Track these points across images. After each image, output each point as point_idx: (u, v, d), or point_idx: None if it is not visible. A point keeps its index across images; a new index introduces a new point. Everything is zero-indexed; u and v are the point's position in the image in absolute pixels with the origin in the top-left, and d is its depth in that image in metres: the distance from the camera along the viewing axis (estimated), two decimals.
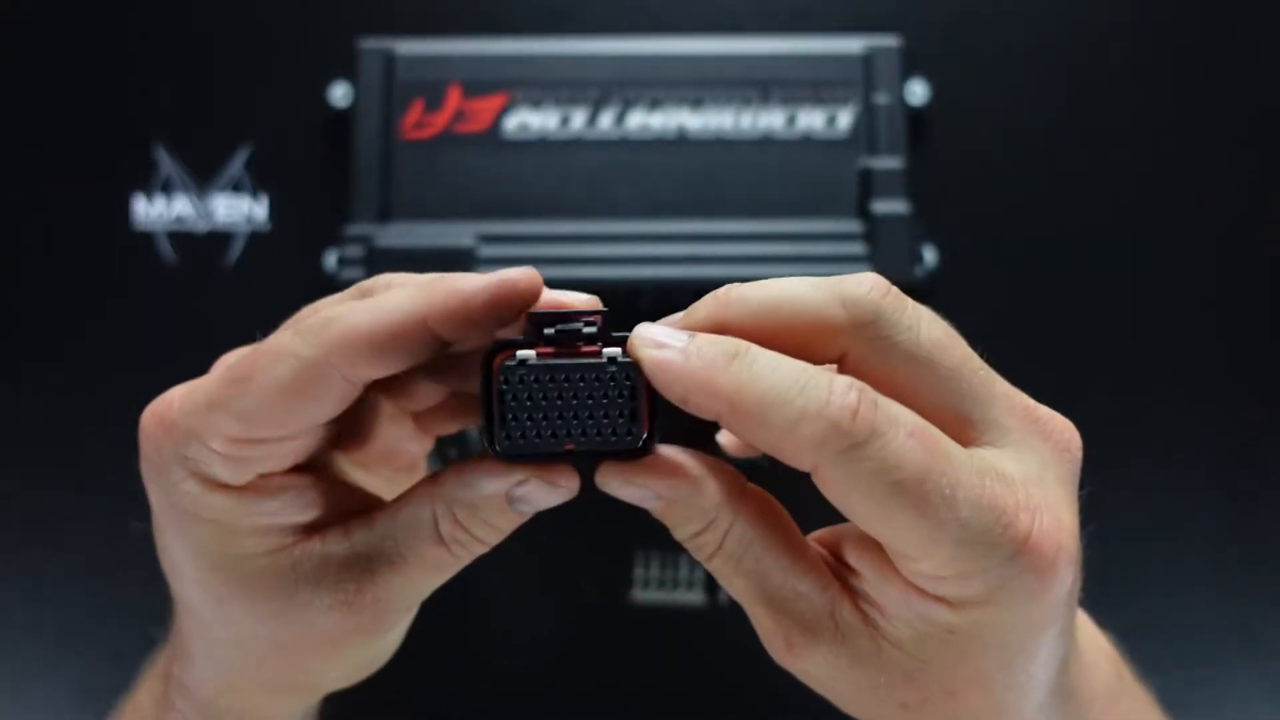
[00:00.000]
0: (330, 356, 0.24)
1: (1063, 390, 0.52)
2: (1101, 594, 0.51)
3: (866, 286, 0.25)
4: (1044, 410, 0.27)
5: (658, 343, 0.24)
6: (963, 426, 0.25)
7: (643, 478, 0.26)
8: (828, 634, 0.26)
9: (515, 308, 0.26)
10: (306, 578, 0.27)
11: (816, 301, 0.25)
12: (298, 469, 0.28)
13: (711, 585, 0.51)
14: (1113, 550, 0.52)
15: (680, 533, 0.26)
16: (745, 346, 0.24)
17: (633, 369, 0.24)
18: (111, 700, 0.51)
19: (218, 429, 0.25)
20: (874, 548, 0.25)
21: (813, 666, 0.26)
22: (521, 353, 0.25)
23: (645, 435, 0.25)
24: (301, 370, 0.25)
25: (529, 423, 0.25)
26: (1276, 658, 0.51)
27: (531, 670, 0.52)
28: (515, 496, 0.26)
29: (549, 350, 0.25)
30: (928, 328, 0.25)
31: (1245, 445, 0.52)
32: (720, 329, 0.25)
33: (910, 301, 0.25)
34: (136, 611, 0.51)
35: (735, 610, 0.51)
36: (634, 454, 0.25)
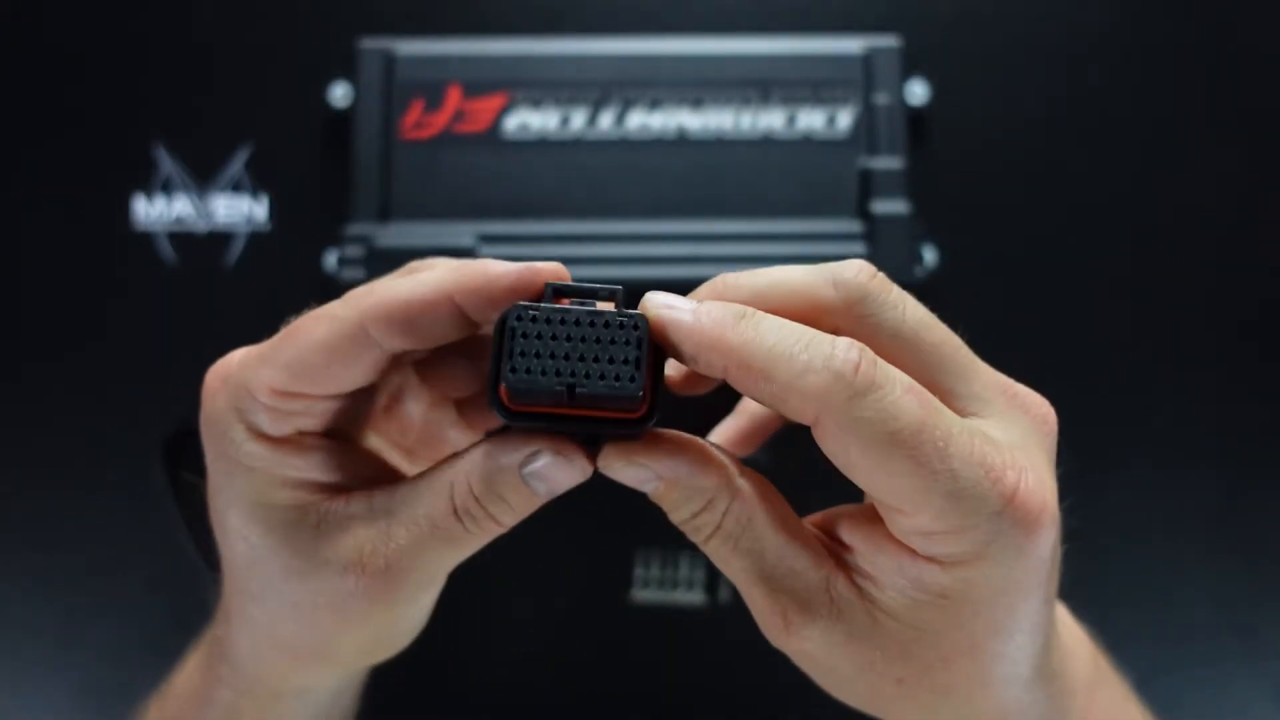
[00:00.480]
0: (366, 321, 0.27)
1: (1062, 390, 0.52)
2: (1102, 594, 0.51)
3: (855, 269, 0.27)
4: (1021, 387, 0.29)
5: (669, 304, 0.25)
6: (947, 399, 0.26)
7: (645, 457, 0.26)
8: (824, 609, 0.27)
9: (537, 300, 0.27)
10: (328, 536, 0.28)
11: (809, 283, 0.27)
12: (334, 436, 0.30)
13: (711, 585, 0.51)
14: (1113, 550, 0.52)
15: (679, 514, 0.27)
16: (752, 310, 0.25)
17: (641, 320, 0.25)
18: (112, 700, 0.51)
19: (265, 381, 0.28)
20: (866, 521, 0.27)
21: (809, 644, 0.27)
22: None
23: (645, 395, 0.25)
24: (340, 330, 0.27)
25: (535, 359, 0.25)
26: (1276, 658, 0.51)
27: (531, 670, 0.52)
28: (530, 471, 0.27)
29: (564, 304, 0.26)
30: (912, 308, 0.27)
31: (1245, 445, 0.52)
32: None
33: (895, 285, 0.27)
34: (137, 611, 0.51)
35: (735, 610, 0.51)
36: (634, 425, 0.26)
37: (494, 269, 0.27)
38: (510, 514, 0.28)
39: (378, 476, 0.31)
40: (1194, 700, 0.51)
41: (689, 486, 0.26)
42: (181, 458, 0.51)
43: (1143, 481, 0.52)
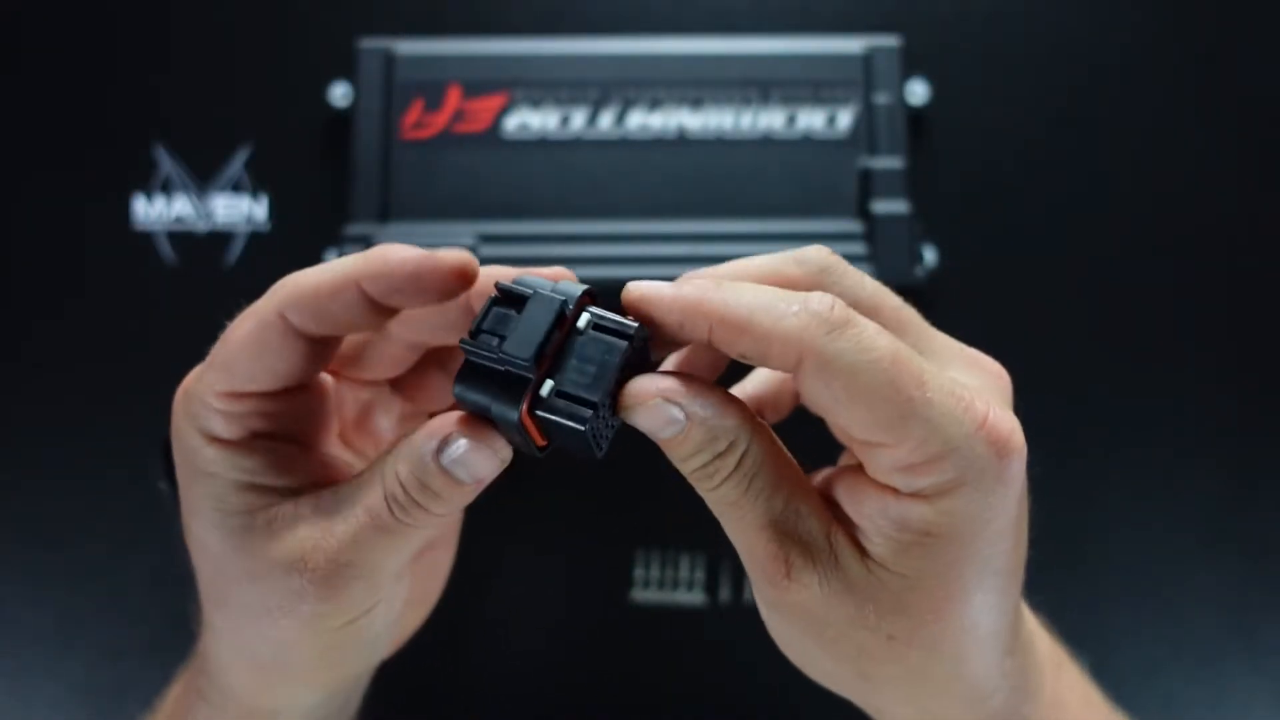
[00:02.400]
0: (282, 309, 0.28)
1: (1062, 389, 0.52)
2: (1102, 594, 0.51)
3: (815, 250, 0.29)
4: (976, 351, 0.30)
5: (651, 285, 0.27)
6: None
7: (675, 395, 0.27)
8: (823, 556, 0.27)
9: (440, 288, 0.28)
10: (277, 536, 0.29)
11: (773, 265, 0.29)
12: (289, 440, 0.30)
13: (711, 585, 0.51)
14: (1113, 550, 0.52)
15: (698, 458, 0.27)
16: (728, 278, 0.28)
17: (641, 330, 0.27)
18: (112, 700, 0.51)
19: (209, 385, 0.29)
20: (848, 475, 0.28)
21: (807, 593, 0.27)
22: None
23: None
24: (260, 322, 0.29)
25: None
26: (1276, 657, 0.51)
27: (531, 670, 0.52)
28: (448, 459, 0.27)
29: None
30: (869, 280, 0.29)
31: (1245, 445, 0.52)
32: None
33: (853, 268, 0.29)
34: (137, 611, 0.51)
35: (735, 610, 0.51)
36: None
37: (393, 256, 0.28)
38: (439, 502, 0.28)
39: (338, 482, 0.31)
40: (1194, 700, 0.51)
41: (716, 425, 0.27)
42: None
43: (1142, 481, 0.52)
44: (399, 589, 0.32)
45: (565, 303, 0.27)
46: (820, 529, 0.28)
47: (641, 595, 0.51)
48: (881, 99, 0.51)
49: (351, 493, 0.28)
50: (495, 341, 0.26)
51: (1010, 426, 0.26)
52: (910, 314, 0.30)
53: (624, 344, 0.27)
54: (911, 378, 0.25)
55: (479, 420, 0.27)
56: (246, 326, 0.29)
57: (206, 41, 0.54)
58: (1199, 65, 0.54)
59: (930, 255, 0.51)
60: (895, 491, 0.27)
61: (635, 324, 0.27)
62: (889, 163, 0.50)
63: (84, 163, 0.54)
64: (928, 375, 0.26)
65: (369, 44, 0.51)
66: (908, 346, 0.26)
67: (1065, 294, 0.53)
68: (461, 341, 0.27)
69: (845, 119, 0.51)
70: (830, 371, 0.25)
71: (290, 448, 0.31)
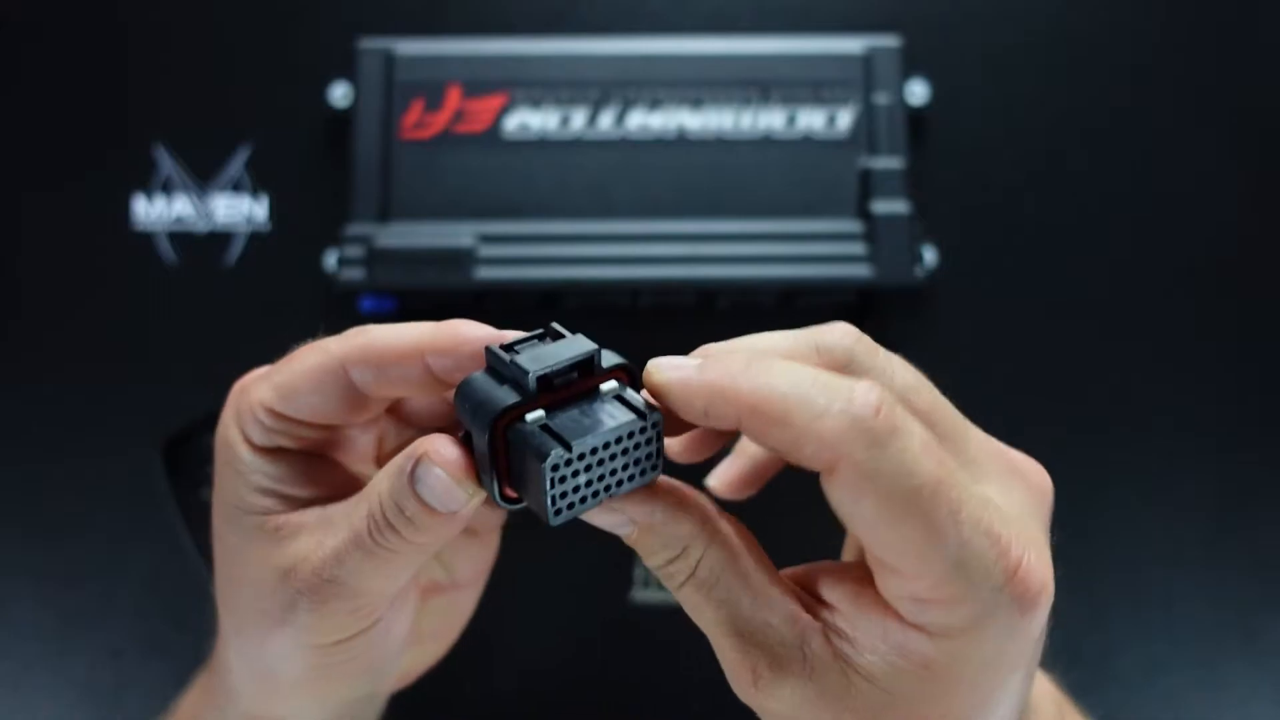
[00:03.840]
0: (346, 359, 0.28)
1: (1062, 389, 0.52)
2: (1102, 594, 0.51)
3: (839, 334, 0.26)
4: (1017, 454, 0.28)
5: (674, 365, 0.25)
6: None
7: (619, 502, 0.26)
8: (796, 666, 0.25)
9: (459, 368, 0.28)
10: (280, 543, 0.29)
11: (792, 350, 0.26)
12: (320, 458, 0.31)
13: None
14: (1113, 550, 0.52)
15: (654, 560, 0.26)
16: (760, 354, 0.25)
17: (658, 417, 0.26)
18: (111, 699, 0.51)
19: (260, 396, 0.29)
20: (852, 580, 0.26)
21: (777, 702, 0.26)
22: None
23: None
24: (321, 366, 0.28)
25: (573, 492, 0.25)
26: (1276, 657, 0.51)
27: (531, 670, 0.52)
28: (418, 479, 0.26)
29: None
30: (900, 371, 0.26)
31: (1245, 444, 0.52)
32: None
33: (881, 348, 0.26)
34: (137, 611, 0.51)
35: None
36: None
37: (465, 334, 0.27)
38: (412, 528, 0.27)
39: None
40: (1194, 700, 0.51)
41: (663, 533, 0.26)
42: (180, 459, 0.51)
43: (1143, 481, 0.52)
44: (398, 618, 0.32)
45: (597, 352, 0.26)
46: (793, 637, 0.26)
47: (641, 595, 0.51)
48: (881, 99, 0.51)
49: (350, 508, 0.28)
50: (514, 355, 0.26)
51: (1041, 580, 0.24)
52: (944, 411, 0.27)
53: (631, 417, 0.25)
54: (949, 515, 0.23)
55: (461, 447, 0.27)
56: (311, 362, 0.28)
57: (206, 41, 0.54)
58: (1200, 65, 0.54)
59: (930, 255, 0.51)
60: (899, 617, 0.25)
61: (650, 408, 0.26)
62: (889, 163, 0.50)
63: (84, 163, 0.53)
64: (966, 510, 0.23)
65: (369, 44, 0.51)
66: (953, 466, 0.24)
67: (1065, 294, 0.53)
68: (487, 347, 0.26)
69: (845, 119, 0.51)
70: (864, 488, 0.23)
71: (319, 461, 0.31)
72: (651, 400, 0.26)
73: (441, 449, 0.26)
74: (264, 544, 0.29)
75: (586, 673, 0.52)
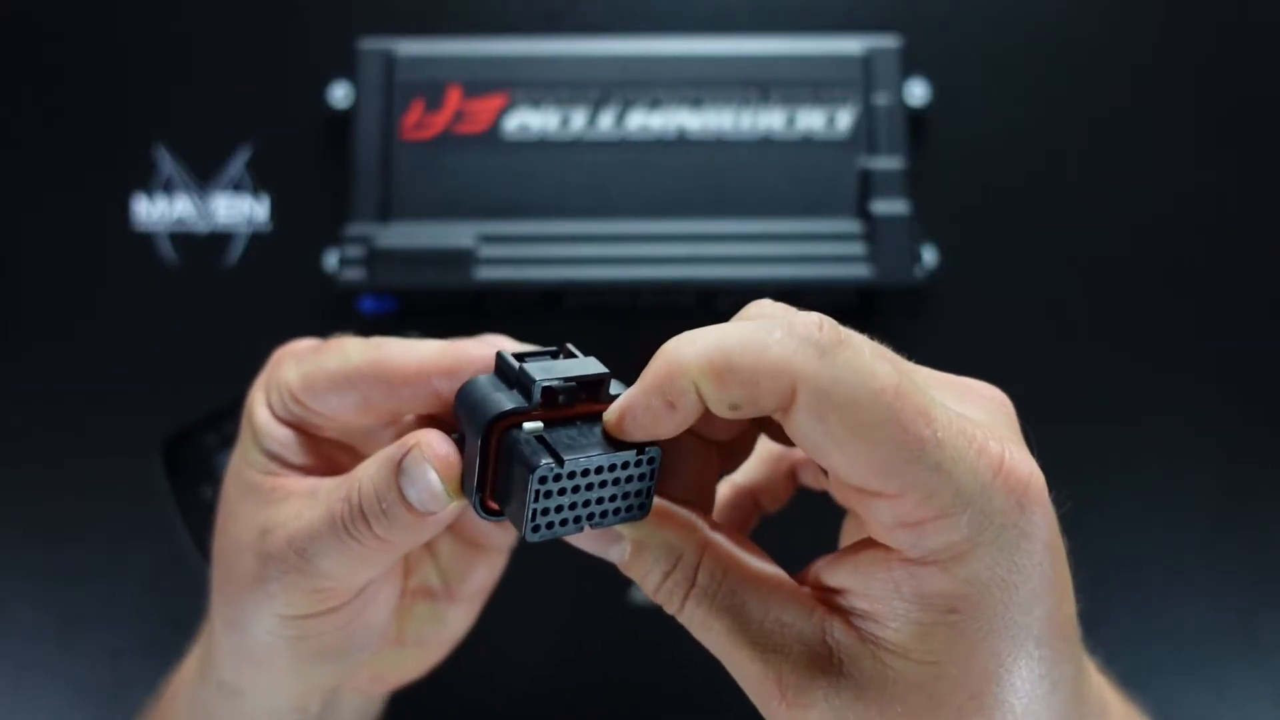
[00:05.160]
0: (362, 367, 0.28)
1: (1062, 390, 0.52)
2: (1102, 594, 0.51)
3: (803, 316, 0.24)
4: (964, 378, 0.27)
5: (623, 397, 0.25)
6: None
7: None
8: (823, 666, 0.24)
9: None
10: (268, 505, 0.29)
11: (755, 332, 0.23)
12: (335, 440, 0.31)
13: None
14: (1113, 550, 0.52)
15: (650, 578, 0.25)
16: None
17: (655, 452, 0.25)
18: (112, 700, 0.51)
19: (288, 377, 0.30)
20: (849, 555, 0.25)
21: (814, 713, 0.23)
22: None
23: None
24: (342, 368, 0.29)
25: (555, 513, 0.25)
26: (1276, 657, 0.51)
27: (531, 670, 0.52)
28: (404, 469, 0.26)
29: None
30: (869, 345, 0.24)
31: (1245, 444, 0.52)
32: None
33: (846, 330, 0.24)
34: (137, 611, 0.51)
35: None
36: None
37: (473, 352, 0.28)
38: (385, 523, 0.27)
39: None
40: (1194, 700, 0.50)
41: (652, 543, 0.25)
42: (180, 459, 0.51)
43: (1143, 481, 0.52)
44: (372, 608, 0.32)
45: (607, 376, 0.26)
46: (813, 629, 0.24)
47: (641, 596, 0.51)
48: (881, 99, 0.51)
49: (335, 486, 0.28)
50: (523, 364, 0.26)
51: (1029, 469, 0.23)
52: (883, 347, 0.25)
53: (631, 450, 0.25)
54: (918, 412, 0.22)
55: (454, 447, 0.26)
56: (331, 365, 0.29)
57: (207, 41, 0.54)
58: (1200, 65, 0.54)
59: (930, 255, 0.51)
60: (906, 561, 0.23)
61: (649, 443, 0.25)
62: (889, 163, 0.50)
63: (84, 163, 0.54)
64: (935, 410, 0.22)
65: (369, 44, 0.51)
66: (909, 370, 0.23)
67: (1065, 294, 0.53)
68: (498, 352, 0.27)
69: (845, 119, 0.51)
70: (825, 402, 0.22)
71: (336, 441, 0.32)
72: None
73: (434, 443, 0.26)
74: (255, 502, 0.29)
75: (586, 673, 0.52)
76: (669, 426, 0.24)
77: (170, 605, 0.51)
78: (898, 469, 0.22)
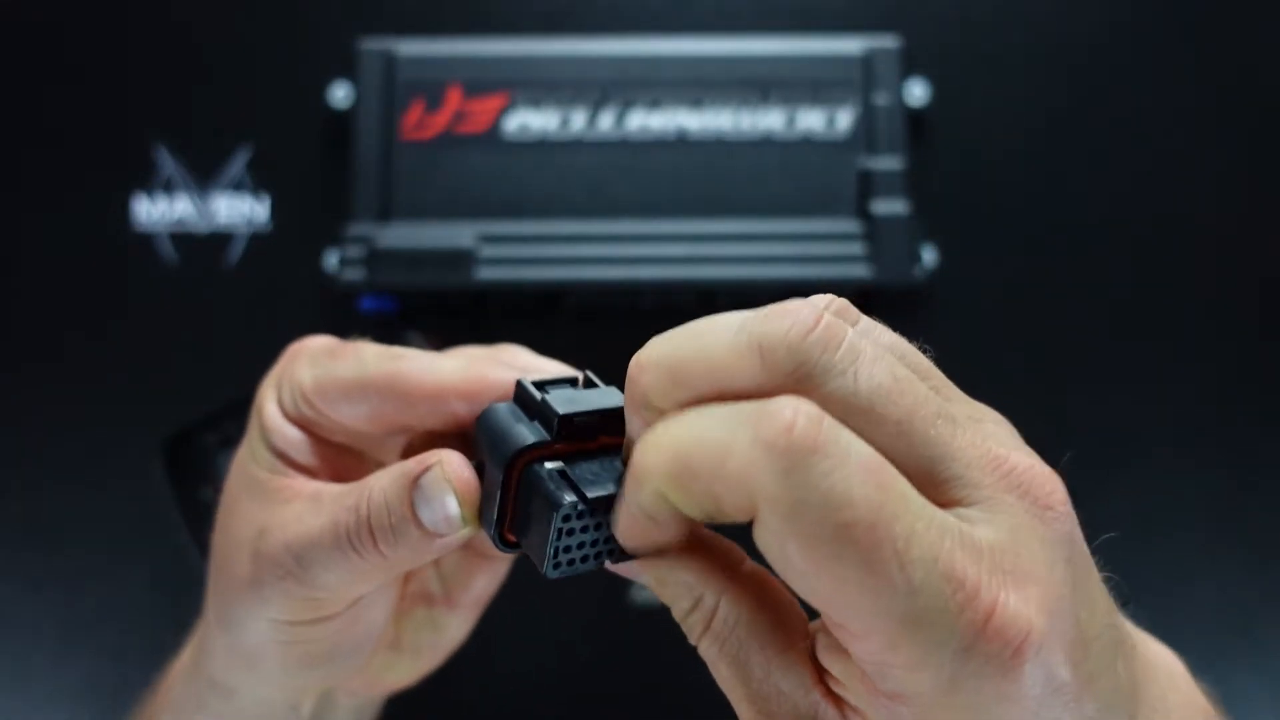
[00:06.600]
0: (373, 378, 0.28)
1: (1062, 390, 0.52)
2: None
3: (786, 324, 0.21)
4: (1019, 459, 0.22)
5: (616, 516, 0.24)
6: (922, 486, 0.21)
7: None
8: None
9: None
10: (269, 505, 0.29)
11: (728, 359, 0.21)
12: (339, 447, 0.31)
13: None
14: (1113, 550, 0.52)
15: (675, 610, 0.25)
16: (668, 420, 0.22)
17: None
18: (111, 700, 0.51)
19: (300, 378, 0.30)
20: (840, 647, 0.22)
21: None
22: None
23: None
24: (357, 377, 0.28)
25: (577, 549, 0.24)
26: (1276, 657, 0.51)
27: (531, 670, 0.52)
28: (419, 484, 0.26)
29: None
30: (867, 371, 0.21)
31: (1245, 444, 0.52)
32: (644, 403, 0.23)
33: (845, 338, 0.21)
34: (137, 611, 0.51)
35: None
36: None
37: (495, 377, 0.28)
38: (391, 540, 0.26)
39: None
40: None
41: (673, 582, 0.24)
42: (180, 459, 0.51)
43: (1144, 480, 0.52)
44: (368, 615, 0.31)
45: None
46: (807, 708, 0.23)
47: (641, 595, 0.51)
48: (881, 99, 0.51)
49: (341, 494, 0.28)
50: (544, 394, 0.25)
51: (1023, 630, 0.19)
52: (924, 418, 0.21)
53: None
54: (894, 553, 0.19)
55: (472, 473, 0.26)
56: (345, 374, 0.29)
57: (207, 41, 0.54)
58: (1200, 65, 0.54)
59: (930, 255, 0.51)
60: (874, 686, 0.21)
61: None
62: (889, 163, 0.50)
63: (85, 163, 0.54)
64: (916, 547, 0.19)
65: (369, 44, 0.51)
66: (900, 491, 0.20)
67: (1065, 294, 0.53)
68: (518, 380, 0.26)
69: (845, 119, 0.51)
70: (785, 530, 0.19)
71: (345, 447, 0.31)
72: None
73: (457, 466, 0.26)
74: (257, 499, 0.29)
75: (585, 673, 0.52)
76: (666, 537, 0.23)
77: (170, 605, 0.51)
78: (859, 614, 0.19)
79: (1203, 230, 0.53)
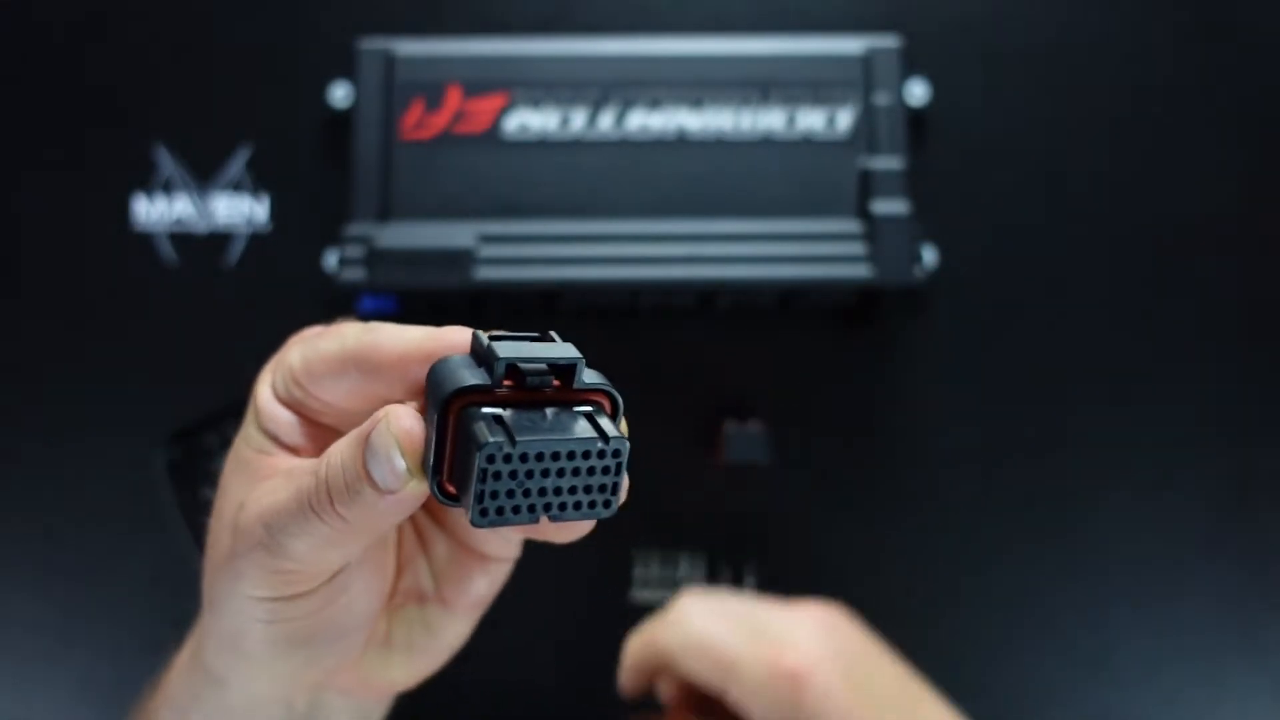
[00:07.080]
0: (354, 351, 0.28)
1: (1061, 391, 0.52)
2: (1102, 594, 0.51)
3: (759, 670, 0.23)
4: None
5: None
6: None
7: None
8: None
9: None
10: (253, 483, 0.29)
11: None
12: (329, 428, 0.31)
13: (711, 585, 0.51)
14: (1113, 550, 0.52)
15: None
16: None
17: (622, 443, 0.24)
18: (111, 699, 0.51)
19: (292, 359, 0.30)
20: None
21: None
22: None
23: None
24: (336, 352, 0.28)
25: (507, 497, 0.23)
26: (1276, 657, 0.51)
27: (531, 670, 0.52)
28: (369, 441, 0.25)
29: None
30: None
31: (1245, 445, 0.52)
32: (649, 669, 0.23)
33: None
34: (136, 611, 0.51)
35: None
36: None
37: (454, 338, 0.27)
38: (347, 500, 0.26)
39: None
40: (1193, 698, 0.51)
41: None
42: (181, 459, 0.51)
43: (1143, 480, 0.52)
44: (348, 600, 0.31)
45: (579, 362, 0.24)
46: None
47: (641, 595, 0.51)
48: (881, 99, 0.51)
49: (310, 464, 0.28)
50: (494, 342, 0.24)
51: None
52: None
53: (591, 435, 0.23)
54: None
55: (417, 423, 0.25)
56: (328, 350, 0.29)
57: (207, 42, 0.54)
58: (1199, 64, 0.54)
59: (930, 255, 0.51)
60: None
61: (618, 436, 0.23)
62: (889, 163, 0.50)
63: (84, 163, 0.54)
64: None
65: (369, 44, 0.51)
66: None
67: (1064, 294, 0.53)
68: (474, 331, 0.25)
69: (845, 119, 0.51)
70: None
71: (320, 428, 0.31)
72: (623, 431, 0.24)
73: (401, 416, 0.25)
74: (242, 478, 0.30)
75: (585, 673, 0.52)
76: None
77: (170, 604, 0.51)
78: None
79: (1204, 229, 0.53)
